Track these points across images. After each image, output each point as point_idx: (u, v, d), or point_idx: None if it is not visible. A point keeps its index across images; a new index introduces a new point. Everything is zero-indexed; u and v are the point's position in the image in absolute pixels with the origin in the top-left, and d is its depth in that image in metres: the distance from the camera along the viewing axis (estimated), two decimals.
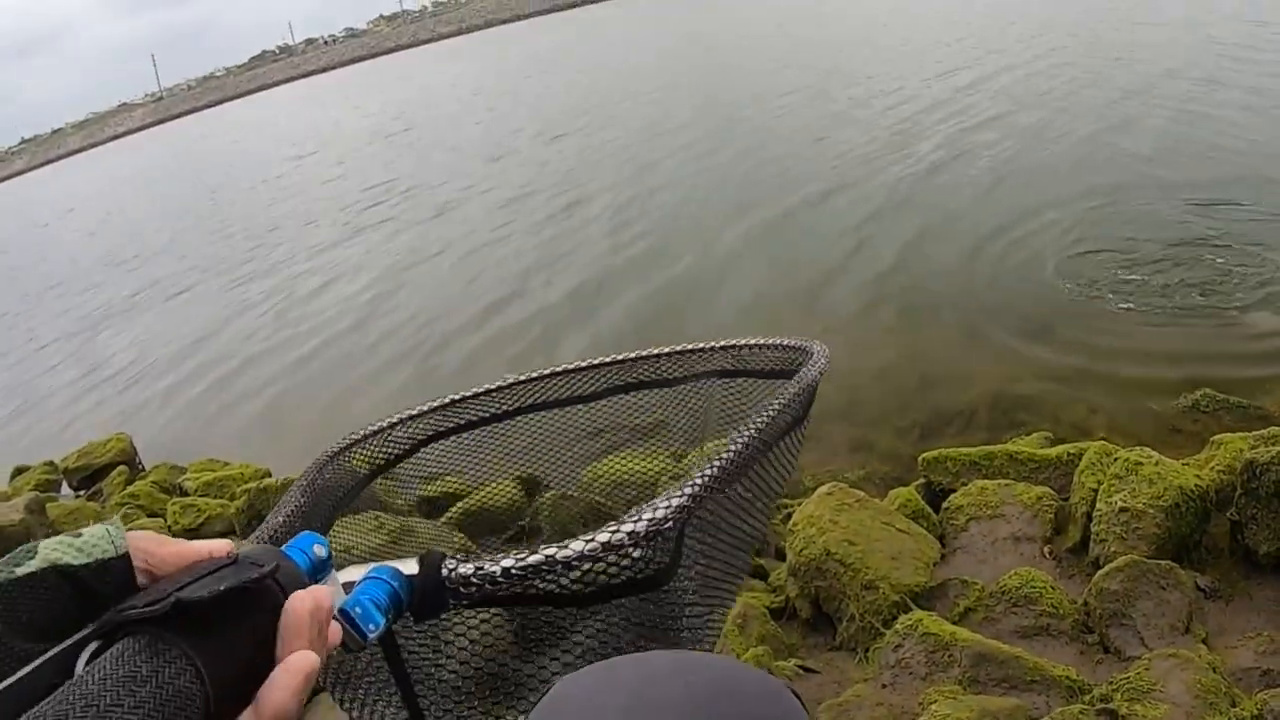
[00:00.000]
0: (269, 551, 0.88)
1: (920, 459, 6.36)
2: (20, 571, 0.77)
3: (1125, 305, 8.71)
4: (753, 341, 1.97)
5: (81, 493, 10.28)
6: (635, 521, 1.22)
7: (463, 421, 2.20)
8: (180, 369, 14.19)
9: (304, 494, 1.74)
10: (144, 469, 10.40)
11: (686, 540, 1.39)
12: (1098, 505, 5.39)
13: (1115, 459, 5.56)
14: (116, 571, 0.80)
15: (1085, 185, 11.65)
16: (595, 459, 7.41)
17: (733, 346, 2.02)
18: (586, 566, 1.23)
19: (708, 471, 1.34)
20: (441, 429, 2.18)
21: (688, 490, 1.29)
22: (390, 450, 2.08)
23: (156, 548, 0.86)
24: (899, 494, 6.10)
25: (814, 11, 42.12)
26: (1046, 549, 5.58)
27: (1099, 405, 7.38)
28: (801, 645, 5.34)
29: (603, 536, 1.21)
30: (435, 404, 2.18)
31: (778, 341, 1.96)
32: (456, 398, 2.17)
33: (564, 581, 1.26)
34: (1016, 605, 5.10)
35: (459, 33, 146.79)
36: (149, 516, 8.51)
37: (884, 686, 4.74)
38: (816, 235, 12.20)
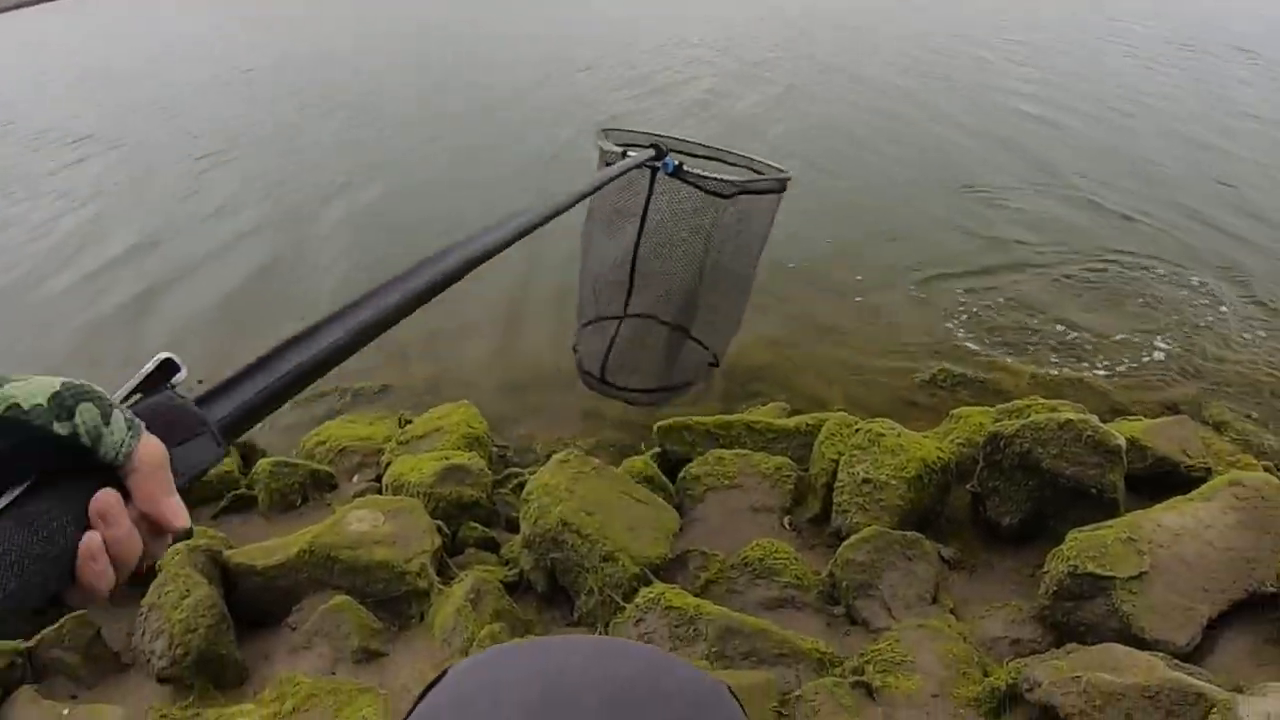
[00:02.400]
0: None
1: (655, 427, 6.20)
2: None
3: (858, 278, 8.95)
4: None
5: None
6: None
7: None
8: None
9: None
10: None
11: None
12: (839, 476, 5.42)
13: (856, 430, 5.60)
14: None
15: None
16: (317, 422, 6.98)
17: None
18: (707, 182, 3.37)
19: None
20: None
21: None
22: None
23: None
24: (633, 463, 5.93)
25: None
26: (786, 520, 5.56)
27: (834, 377, 7.48)
28: (538, 621, 5.09)
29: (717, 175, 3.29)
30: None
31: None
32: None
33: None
34: (760, 577, 5.03)
35: None
36: None
37: None
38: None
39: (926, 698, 4.27)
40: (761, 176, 3.67)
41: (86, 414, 0.83)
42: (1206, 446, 5.55)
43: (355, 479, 6.36)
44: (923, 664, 4.40)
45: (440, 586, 5.02)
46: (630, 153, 3.27)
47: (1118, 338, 7.96)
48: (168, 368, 0.96)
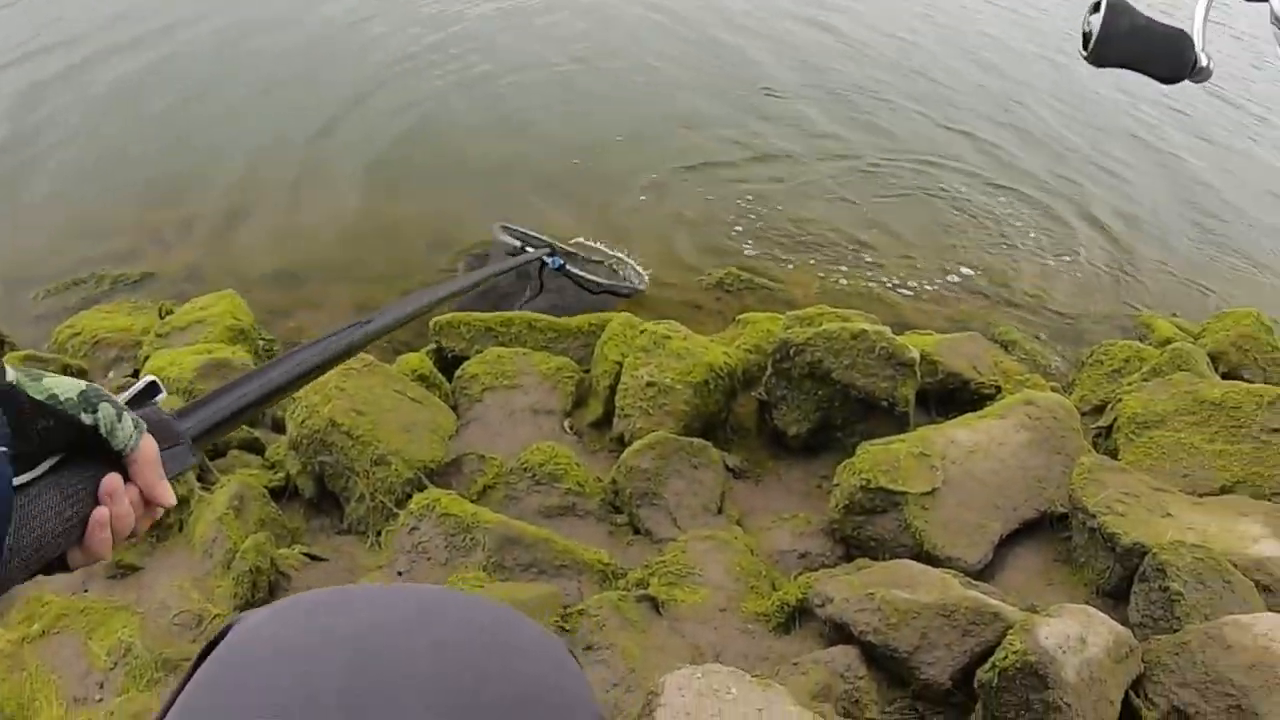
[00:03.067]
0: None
1: (431, 323, 5.94)
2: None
3: (652, 176, 8.79)
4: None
5: None
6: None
7: None
8: None
9: None
10: None
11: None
12: (623, 379, 5.29)
13: (641, 332, 5.49)
14: None
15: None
16: (71, 312, 6.49)
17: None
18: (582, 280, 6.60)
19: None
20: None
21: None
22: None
23: None
24: (408, 360, 5.65)
25: None
26: (567, 423, 5.44)
27: None
28: (305, 529, 4.81)
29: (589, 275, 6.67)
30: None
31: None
32: None
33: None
34: (540, 483, 4.86)
35: None
36: None
37: (400, 574, 4.35)
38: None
39: (714, 611, 4.23)
40: (622, 282, 6.61)
41: (105, 411, 1.05)
42: (996, 364, 5.65)
43: (111, 374, 5.92)
44: (709, 576, 4.35)
45: (200, 493, 4.66)
46: (528, 248, 5.70)
47: (907, 251, 8.10)
48: (153, 388, 1.20)
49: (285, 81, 10.56)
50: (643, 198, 8.49)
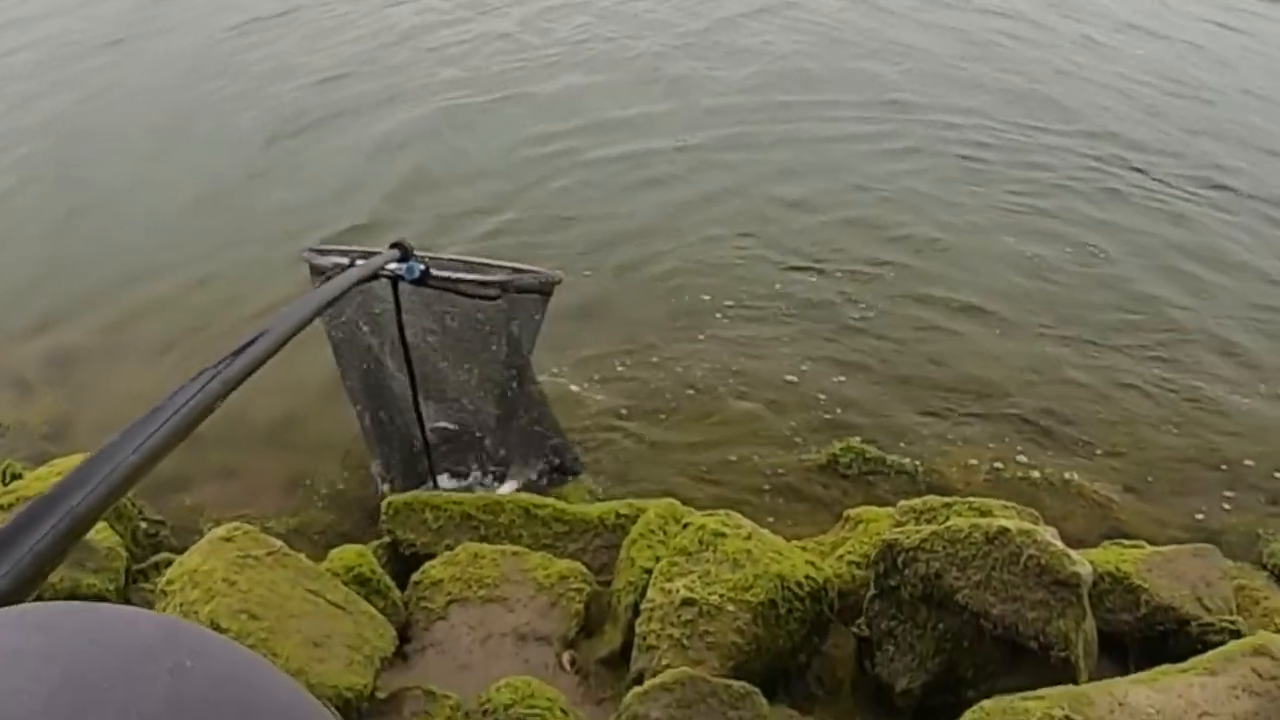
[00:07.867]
0: None
1: (385, 504, 5.56)
2: None
3: (726, 303, 7.96)
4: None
5: None
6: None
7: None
8: None
9: None
10: None
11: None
12: (650, 594, 4.69)
13: (686, 526, 4.95)
14: None
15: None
16: None
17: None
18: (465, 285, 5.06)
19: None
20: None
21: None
22: None
23: None
24: (343, 554, 5.22)
25: None
26: (568, 655, 4.93)
27: (671, 445, 6.59)
28: None
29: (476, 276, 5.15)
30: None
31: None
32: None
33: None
34: None
35: None
36: None
37: None
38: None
39: None
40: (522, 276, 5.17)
41: None
42: (1238, 592, 4.78)
43: None
44: None
45: None
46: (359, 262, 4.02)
47: (1132, 421, 6.78)
48: None
49: (198, 196, 10.47)
50: (719, 323, 7.76)
